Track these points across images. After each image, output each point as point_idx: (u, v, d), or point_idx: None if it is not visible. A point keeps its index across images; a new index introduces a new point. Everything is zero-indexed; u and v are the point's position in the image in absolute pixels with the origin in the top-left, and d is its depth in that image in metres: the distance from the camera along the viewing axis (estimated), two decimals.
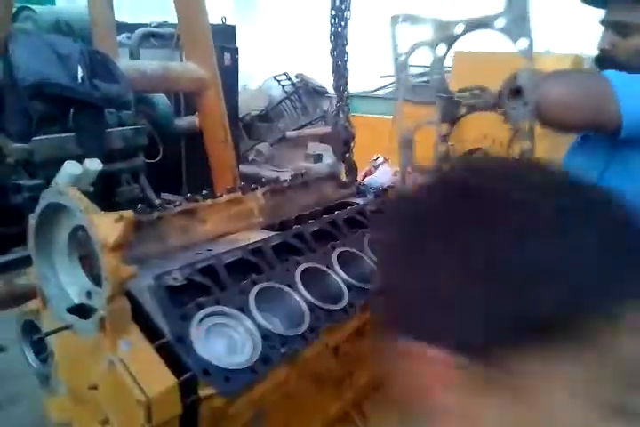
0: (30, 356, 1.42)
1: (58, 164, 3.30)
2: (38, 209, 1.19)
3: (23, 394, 2.62)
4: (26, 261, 3.51)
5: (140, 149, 4.53)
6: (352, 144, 1.97)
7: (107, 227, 1.06)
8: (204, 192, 1.75)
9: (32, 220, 1.21)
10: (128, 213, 1.06)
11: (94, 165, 3.42)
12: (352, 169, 2.00)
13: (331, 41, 1.82)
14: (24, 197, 3.75)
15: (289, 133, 7.10)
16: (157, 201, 3.33)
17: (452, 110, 1.55)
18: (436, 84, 1.54)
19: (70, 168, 3.29)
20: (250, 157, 6.94)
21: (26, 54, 2.32)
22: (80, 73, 2.41)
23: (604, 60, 1.23)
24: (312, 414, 1.75)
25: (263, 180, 1.96)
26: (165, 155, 4.58)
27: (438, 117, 1.53)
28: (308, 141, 7.02)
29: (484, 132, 3.17)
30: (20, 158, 3.76)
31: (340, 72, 1.84)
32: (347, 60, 1.82)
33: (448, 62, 5.04)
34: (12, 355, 2.95)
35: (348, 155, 1.98)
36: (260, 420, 1.39)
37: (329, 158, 6.56)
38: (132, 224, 1.07)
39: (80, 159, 3.34)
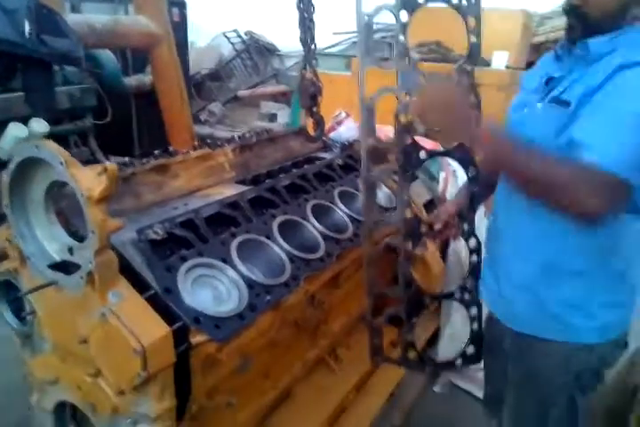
0: (8, 316, 1.40)
1: (2, 126, 3.14)
2: (12, 165, 1.15)
3: None
4: None
5: (88, 109, 4.34)
6: (319, 98, 1.97)
7: (90, 179, 1.05)
8: (171, 149, 1.73)
9: (5, 177, 1.17)
10: (111, 166, 1.05)
11: (41, 126, 3.23)
12: (320, 123, 2.01)
13: None
14: None
15: (241, 93, 6.92)
16: (107, 163, 3.23)
17: (412, 79, 1.58)
18: (399, 51, 1.55)
19: (15, 130, 3.11)
20: (202, 118, 6.76)
21: None
22: (27, 28, 2.26)
23: (573, 14, 1.23)
24: (292, 360, 1.83)
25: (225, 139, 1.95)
26: (114, 115, 4.41)
27: (399, 86, 1.55)
28: (261, 100, 6.90)
29: None
30: None
31: (307, 24, 1.82)
32: (313, 12, 1.80)
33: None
34: None
35: (315, 109, 1.99)
36: (246, 365, 1.45)
37: (283, 117, 6.51)
38: (115, 177, 1.06)
39: (25, 121, 3.18)
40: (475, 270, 1.48)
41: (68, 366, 1.28)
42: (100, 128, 4.44)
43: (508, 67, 3.56)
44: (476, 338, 1.54)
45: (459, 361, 1.54)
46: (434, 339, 2.52)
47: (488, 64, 3.66)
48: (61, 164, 1.06)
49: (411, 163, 1.55)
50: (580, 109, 1.13)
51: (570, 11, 1.20)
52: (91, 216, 1.06)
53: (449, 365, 1.57)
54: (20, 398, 1.93)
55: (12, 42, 2.23)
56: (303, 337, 1.86)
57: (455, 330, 2.40)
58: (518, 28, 3.64)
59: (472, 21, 1.71)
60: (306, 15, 1.80)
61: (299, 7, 1.77)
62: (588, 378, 1.31)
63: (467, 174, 1.65)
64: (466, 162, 1.66)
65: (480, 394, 2.47)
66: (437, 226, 1.51)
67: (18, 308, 1.39)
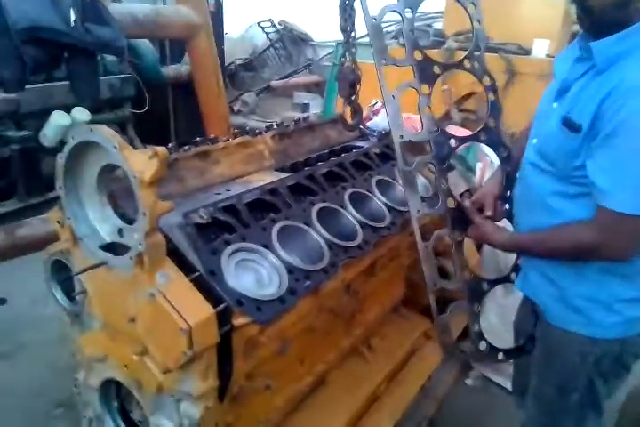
0: (59, 295, 1.46)
1: (46, 114, 3.23)
2: (67, 148, 1.19)
3: (28, 344, 2.68)
4: (18, 214, 3.49)
5: (127, 99, 4.43)
6: (358, 87, 1.96)
7: (141, 163, 1.08)
8: (212, 136, 1.76)
9: (60, 160, 1.22)
10: (162, 150, 1.08)
11: (83, 115, 3.34)
12: (358, 112, 2.01)
13: None
14: (12, 149, 3.68)
15: (274, 83, 6.95)
16: None
17: (428, 71, 1.58)
18: (410, 46, 1.56)
19: (58, 118, 3.21)
20: (235, 108, 6.82)
21: None
22: (73, 17, 2.32)
23: (579, 5, 1.21)
24: (327, 348, 1.85)
25: (265, 127, 1.97)
26: (153, 105, 4.48)
27: (416, 80, 1.56)
28: (294, 91, 6.91)
29: None
30: (6, 109, 3.66)
31: (347, 11, 1.81)
32: None
33: (440, 8, 4.86)
34: (15, 306, 3.00)
35: (353, 97, 1.98)
36: (285, 349, 1.48)
37: (316, 108, 6.51)
38: (166, 160, 1.09)
39: (67, 110, 3.27)
40: None
41: (116, 345, 1.33)
42: (138, 117, 4.54)
43: (548, 55, 3.48)
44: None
45: (528, 346, 1.57)
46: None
47: (528, 53, 3.59)
48: (115, 147, 1.09)
49: (443, 152, 1.56)
50: (590, 136, 1.15)
51: (574, 1, 1.19)
52: (142, 198, 1.09)
53: (518, 351, 1.60)
54: (64, 378, 2.02)
55: (57, 30, 2.29)
56: (338, 325, 1.88)
57: (489, 323, 2.38)
58: (560, 16, 3.55)
59: (471, 7, 1.71)
60: (347, 1, 1.78)
61: None
62: (608, 364, 1.32)
63: (498, 155, 1.66)
64: (496, 144, 1.66)
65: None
66: (489, 212, 1.52)
67: (68, 288, 1.44)
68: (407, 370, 2.14)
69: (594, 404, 1.38)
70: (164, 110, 5.06)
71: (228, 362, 1.26)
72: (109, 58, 3.90)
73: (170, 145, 1.65)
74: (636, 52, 1.12)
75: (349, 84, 1.94)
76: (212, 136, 1.78)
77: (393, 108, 1.55)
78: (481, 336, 1.53)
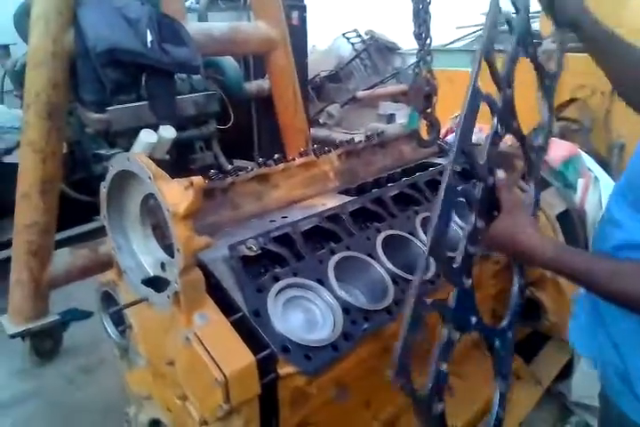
0: (110, 327, 1.42)
1: (135, 132, 3.34)
2: (108, 177, 1.13)
3: (109, 358, 2.72)
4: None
5: (211, 115, 4.49)
6: (434, 99, 1.78)
7: (176, 194, 0.99)
8: (276, 157, 1.65)
9: (103, 188, 1.16)
10: (198, 180, 0.98)
11: (169, 132, 3.42)
12: (434, 126, 1.82)
13: None
14: (105, 167, 3.86)
15: (359, 94, 6.83)
16: (230, 167, 3.29)
17: None
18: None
19: (146, 136, 3.31)
20: (320, 120, 6.78)
21: (95, 20, 2.27)
22: (149, 38, 2.35)
23: None
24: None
25: (337, 141, 1.83)
26: (236, 120, 4.54)
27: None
28: (380, 101, 6.75)
29: (582, 82, 2.83)
30: (98, 129, 3.86)
31: (422, 17, 1.65)
32: (429, 3, 1.62)
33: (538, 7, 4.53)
34: (99, 320, 3.10)
35: (429, 110, 1.80)
36: (343, 397, 1.32)
37: (402, 118, 6.31)
38: (201, 191, 0.98)
39: (155, 128, 3.36)
40: None
41: (159, 385, 1.25)
42: (223, 133, 4.62)
43: None
44: None
45: None
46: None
47: None
48: (150, 178, 1.01)
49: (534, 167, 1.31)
50: None
51: None
52: (176, 233, 1.00)
53: None
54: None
55: (136, 52, 2.32)
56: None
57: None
58: None
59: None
60: (421, 6, 1.62)
61: None
62: None
63: None
64: None
65: None
66: None
67: (119, 320, 1.39)
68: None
69: None
70: (248, 125, 5.12)
71: (274, 413, 1.13)
72: (195, 76, 4.00)
73: (229, 167, 1.56)
74: None
75: (424, 95, 1.77)
76: (276, 156, 1.68)
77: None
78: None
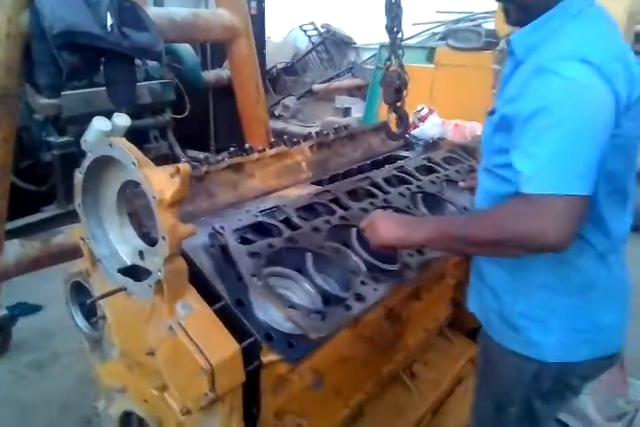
0: (79, 319, 1.37)
1: (87, 120, 3.21)
2: (85, 163, 1.09)
3: (62, 353, 2.64)
4: (58, 220, 3.49)
5: (167, 104, 4.40)
6: (404, 92, 1.81)
7: (162, 181, 0.97)
8: (246, 147, 1.64)
9: (78, 175, 1.12)
10: (184, 166, 0.96)
11: (123, 120, 3.31)
12: (404, 119, 1.86)
13: None
14: (54, 155, 3.70)
15: (316, 87, 6.83)
16: (184, 158, 3.22)
17: None
18: None
19: (99, 124, 3.19)
20: (276, 112, 6.74)
21: (53, 1, 2.17)
22: (109, 21, 2.26)
23: None
24: (365, 376, 1.70)
25: (310, 133, 1.83)
26: (193, 110, 4.45)
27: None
28: (336, 95, 6.78)
29: None
30: (48, 115, 3.68)
31: (394, 11, 1.67)
32: None
33: (490, 7, 4.67)
34: (50, 314, 2.98)
35: (399, 104, 1.83)
36: (319, 385, 1.34)
37: (358, 112, 6.36)
38: (188, 178, 0.97)
39: (108, 115, 3.24)
40: None
41: (135, 376, 1.23)
42: (179, 122, 4.51)
43: None
44: None
45: None
46: None
47: None
48: (133, 164, 0.98)
49: None
50: (505, 123, 1.07)
51: None
52: (162, 221, 0.98)
53: None
54: (93, 392, 1.94)
55: (94, 35, 2.23)
56: (377, 352, 1.72)
57: None
58: (624, 16, 3.28)
59: None
60: (393, 0, 1.64)
61: None
62: (547, 382, 1.19)
63: None
64: None
65: (570, 421, 2.25)
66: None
67: (89, 311, 1.34)
68: (454, 400, 1.96)
69: (534, 423, 1.26)
70: (205, 115, 5.03)
71: (255, 400, 1.14)
72: (151, 63, 3.88)
73: (202, 156, 1.54)
74: (551, 37, 1.04)
75: (395, 89, 1.79)
76: (246, 146, 1.67)
77: None
78: None
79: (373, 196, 1.64)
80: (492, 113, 1.16)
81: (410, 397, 1.84)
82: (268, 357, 1.08)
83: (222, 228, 1.21)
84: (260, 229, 1.35)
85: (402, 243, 1.20)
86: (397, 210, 1.59)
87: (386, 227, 1.17)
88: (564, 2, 1.06)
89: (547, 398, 1.23)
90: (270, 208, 1.34)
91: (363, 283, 1.25)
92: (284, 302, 1.14)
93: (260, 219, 1.29)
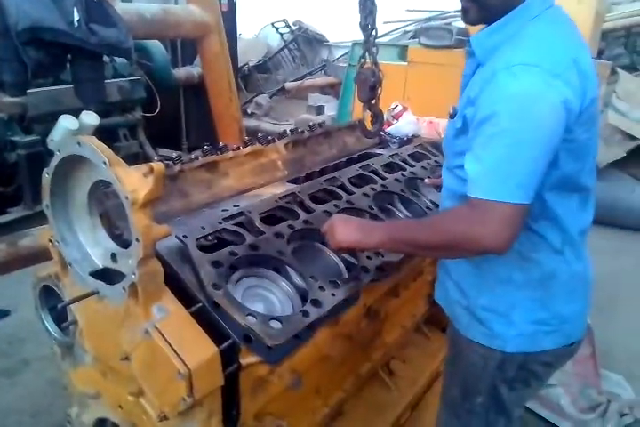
0: (50, 325, 1.32)
1: (53, 118, 3.12)
2: (54, 162, 1.05)
3: (32, 360, 2.56)
4: (25, 222, 3.38)
5: (137, 102, 4.30)
6: (379, 90, 1.81)
7: (135, 181, 0.94)
8: (220, 146, 1.61)
9: (46, 175, 1.08)
10: (158, 165, 0.93)
11: (91, 118, 3.22)
12: (379, 117, 1.85)
13: None
14: (19, 155, 3.58)
15: (288, 84, 6.81)
16: (156, 157, 3.16)
17: None
18: None
19: (66, 123, 3.10)
20: (248, 110, 6.68)
21: None
22: (76, 17, 2.20)
23: None
24: (343, 375, 1.69)
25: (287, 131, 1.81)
26: (163, 108, 4.36)
27: None
28: (308, 93, 6.76)
29: None
30: (13, 113, 3.56)
31: (368, 7, 1.66)
32: None
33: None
34: (18, 318, 2.88)
35: (374, 101, 1.83)
36: (298, 385, 1.32)
37: (331, 110, 6.36)
38: (162, 177, 0.94)
39: (76, 114, 3.15)
40: None
41: (109, 382, 1.19)
42: (149, 120, 4.41)
43: None
44: None
45: None
46: None
47: None
48: (104, 163, 0.95)
49: None
50: (465, 127, 1.09)
51: None
52: (135, 222, 0.95)
53: None
54: (64, 398, 1.89)
55: (59, 31, 2.17)
56: (356, 350, 1.72)
57: None
58: (591, 16, 3.36)
59: None
60: None
61: None
62: (511, 370, 1.25)
63: None
64: None
65: (544, 413, 2.28)
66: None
67: (60, 316, 1.30)
68: (432, 396, 1.97)
69: (501, 410, 1.30)
70: (176, 113, 4.94)
71: (234, 402, 1.11)
72: (120, 60, 3.79)
73: (175, 155, 1.50)
74: (510, 41, 1.06)
75: (370, 86, 1.79)
76: (221, 144, 1.64)
77: None
78: None
79: (337, 198, 1.62)
80: (453, 116, 1.18)
81: (388, 394, 1.85)
82: (247, 359, 1.06)
83: (185, 236, 1.17)
84: (224, 235, 1.32)
85: (358, 246, 1.23)
86: (360, 211, 1.58)
87: (342, 231, 1.19)
88: (524, 4, 1.07)
89: (512, 385, 1.27)
90: (234, 214, 1.30)
91: (321, 288, 1.22)
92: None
93: (223, 226, 1.25)
